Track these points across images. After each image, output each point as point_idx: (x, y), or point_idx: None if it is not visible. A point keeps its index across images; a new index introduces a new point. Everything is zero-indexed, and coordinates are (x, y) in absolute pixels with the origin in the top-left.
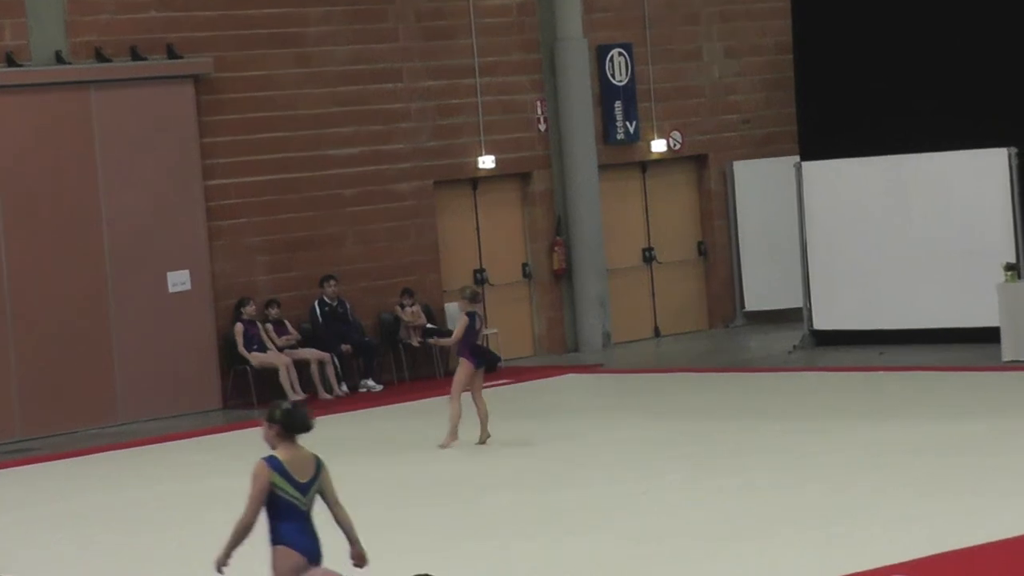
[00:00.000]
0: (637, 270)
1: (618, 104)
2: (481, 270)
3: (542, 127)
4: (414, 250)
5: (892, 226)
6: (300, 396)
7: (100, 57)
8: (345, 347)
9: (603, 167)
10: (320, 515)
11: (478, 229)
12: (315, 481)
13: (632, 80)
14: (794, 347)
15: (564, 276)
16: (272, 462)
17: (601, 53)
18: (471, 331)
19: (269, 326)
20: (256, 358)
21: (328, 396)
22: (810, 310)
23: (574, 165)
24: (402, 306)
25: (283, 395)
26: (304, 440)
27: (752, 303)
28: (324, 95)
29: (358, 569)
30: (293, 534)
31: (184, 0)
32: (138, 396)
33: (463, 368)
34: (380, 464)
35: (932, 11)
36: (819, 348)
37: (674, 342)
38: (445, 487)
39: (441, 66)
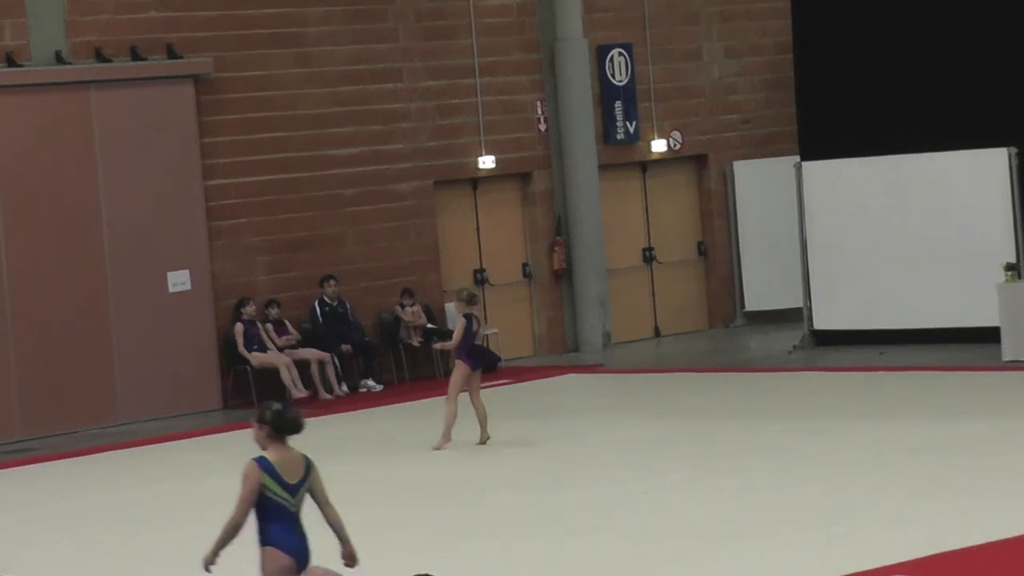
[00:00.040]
0: (637, 270)
1: (618, 104)
2: (481, 270)
3: (542, 127)
4: (414, 250)
5: (892, 226)
6: (303, 393)
7: (100, 57)
8: (345, 347)
9: (603, 167)
10: (311, 515)
11: (478, 229)
12: (304, 482)
13: (632, 80)
14: (794, 347)
15: (564, 276)
16: (262, 463)
17: (601, 53)
18: (468, 333)
19: (269, 326)
20: (256, 358)
21: (328, 396)
22: (810, 310)
23: (574, 165)
24: (402, 306)
25: (283, 395)
26: (306, 439)
27: (752, 303)
28: (324, 95)
29: (349, 568)
30: (282, 535)
31: (184, 0)
32: (138, 396)
33: (460, 370)
34: (380, 464)
35: (932, 11)
36: (819, 348)
37: (674, 342)
38: (445, 487)
39: (441, 66)
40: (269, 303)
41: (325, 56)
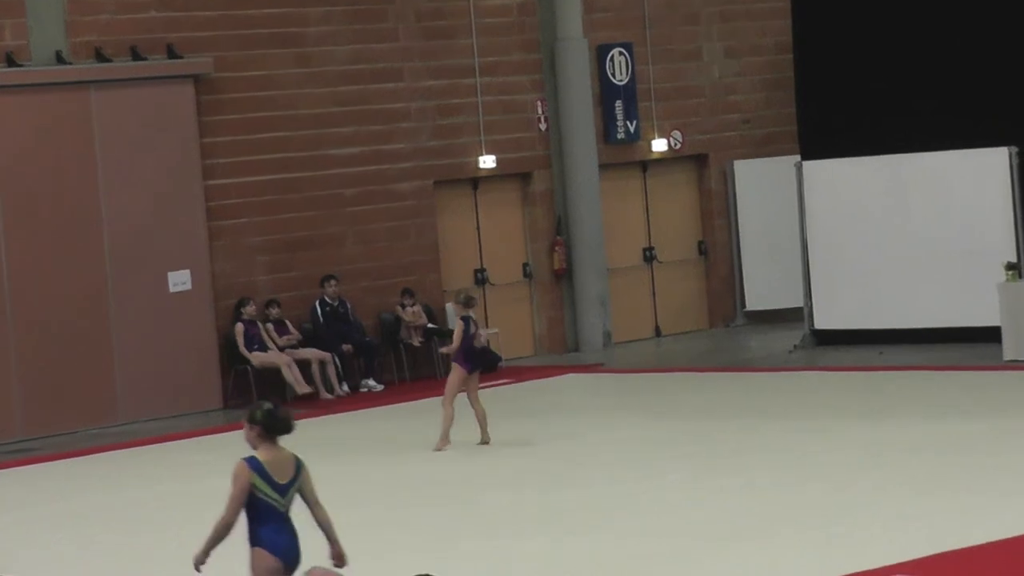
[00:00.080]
0: (638, 269)
1: (619, 104)
2: (482, 270)
3: (542, 127)
4: (414, 250)
5: (892, 225)
6: (308, 389)
7: (100, 57)
8: (346, 347)
9: (604, 167)
10: (303, 515)
11: (478, 229)
12: (295, 482)
13: (632, 80)
14: (794, 347)
15: (564, 276)
16: (252, 463)
17: (601, 53)
18: (466, 336)
19: (270, 326)
20: (257, 358)
21: (329, 396)
22: (810, 309)
23: (574, 165)
24: (403, 306)
25: (284, 394)
26: (307, 439)
27: (752, 303)
28: (324, 95)
29: (338, 568)
30: (271, 536)
31: (184, 0)
32: (138, 396)
33: (456, 372)
34: (380, 464)
35: (932, 11)
36: (819, 348)
37: (674, 342)
38: (445, 487)
39: (441, 66)
40: (269, 303)
41: (325, 56)
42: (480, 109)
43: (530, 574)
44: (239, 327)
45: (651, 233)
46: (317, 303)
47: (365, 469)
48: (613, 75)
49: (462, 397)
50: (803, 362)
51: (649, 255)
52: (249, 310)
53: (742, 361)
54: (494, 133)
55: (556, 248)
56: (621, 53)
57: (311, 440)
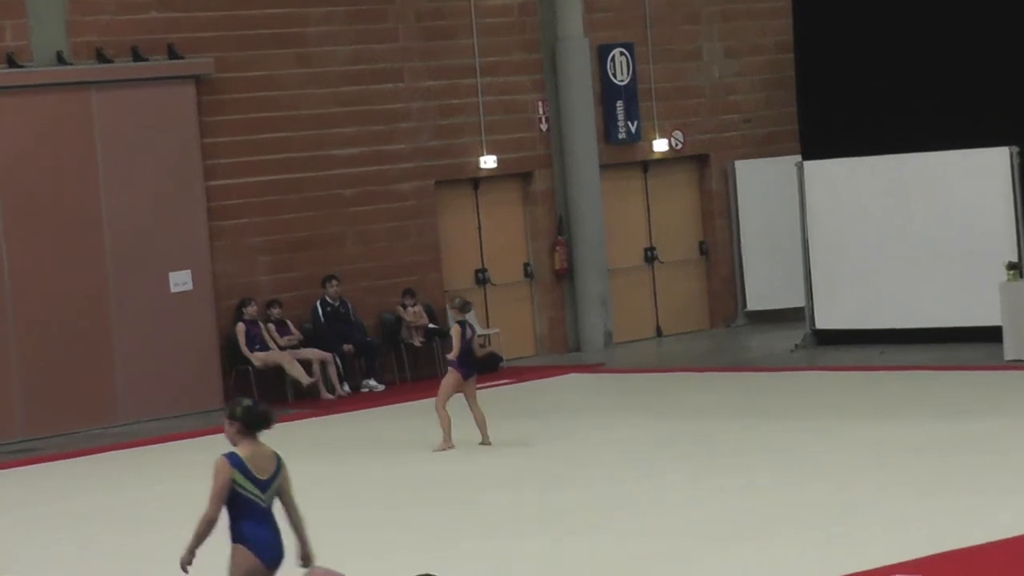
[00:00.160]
0: (639, 269)
1: (619, 104)
2: (482, 270)
3: (543, 127)
4: (415, 250)
5: (893, 225)
6: (313, 379)
7: (101, 58)
8: (347, 347)
9: (604, 167)
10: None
11: (479, 229)
12: (276, 478)
13: (633, 80)
14: (795, 346)
15: (565, 276)
16: (232, 459)
17: (602, 53)
18: (463, 340)
19: (271, 326)
20: (259, 357)
21: (330, 396)
22: (811, 309)
23: (575, 165)
24: (404, 306)
25: (285, 395)
26: (308, 439)
27: (753, 302)
28: (325, 95)
29: (304, 568)
30: (253, 531)
31: (185, 0)
32: (139, 396)
33: (451, 376)
34: (381, 464)
35: (932, 11)
36: (820, 347)
37: (676, 342)
38: (445, 487)
39: (442, 66)
40: (271, 303)
41: (326, 56)
42: (481, 109)
43: (530, 574)
44: (240, 327)
45: (652, 233)
46: (318, 303)
47: (365, 469)
48: (614, 75)
49: (460, 399)
50: (804, 362)
51: (650, 255)
52: (251, 310)
53: (743, 361)
54: (495, 133)
55: (557, 248)
56: (622, 53)
57: (312, 440)
